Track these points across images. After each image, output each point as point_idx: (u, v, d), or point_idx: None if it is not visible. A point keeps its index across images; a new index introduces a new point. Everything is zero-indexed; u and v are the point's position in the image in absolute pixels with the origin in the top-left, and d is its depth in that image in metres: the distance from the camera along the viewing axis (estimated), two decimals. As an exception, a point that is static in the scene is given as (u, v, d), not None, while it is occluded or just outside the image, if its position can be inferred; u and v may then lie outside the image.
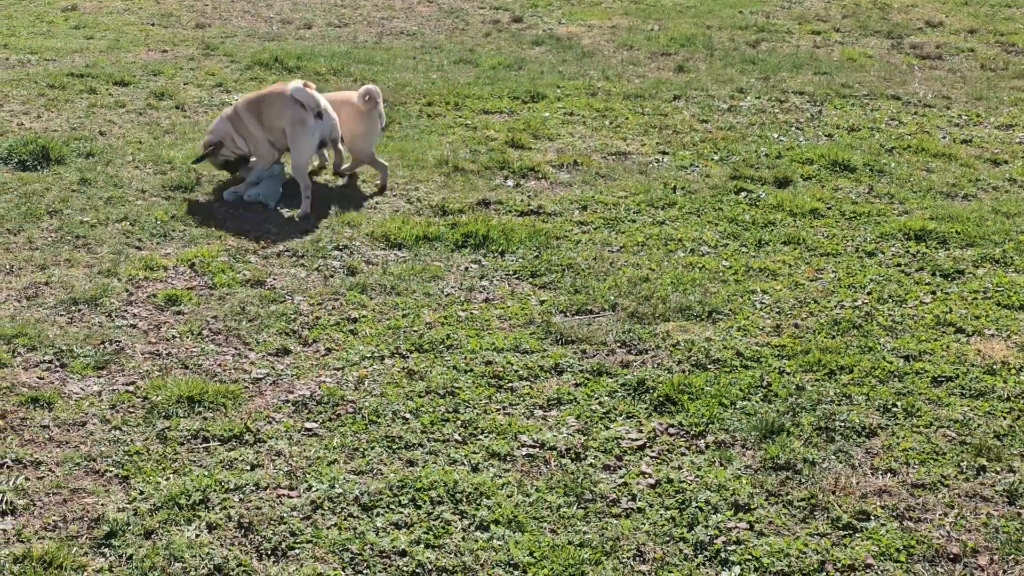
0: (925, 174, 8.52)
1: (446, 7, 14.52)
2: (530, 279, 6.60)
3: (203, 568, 4.16)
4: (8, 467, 4.72)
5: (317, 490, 4.60)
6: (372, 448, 4.91)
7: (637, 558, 4.29)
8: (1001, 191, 8.22)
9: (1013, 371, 5.63)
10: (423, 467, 4.78)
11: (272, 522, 4.42)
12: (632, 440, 5.02)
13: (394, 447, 4.93)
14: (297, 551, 4.28)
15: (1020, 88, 11.03)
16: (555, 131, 9.33)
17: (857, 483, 4.73)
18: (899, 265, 6.88)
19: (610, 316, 6.13)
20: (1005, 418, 5.24)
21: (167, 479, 4.66)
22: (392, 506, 4.53)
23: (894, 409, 5.29)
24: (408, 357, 5.69)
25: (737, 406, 5.28)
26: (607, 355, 5.74)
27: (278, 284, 6.45)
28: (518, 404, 5.29)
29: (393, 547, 4.29)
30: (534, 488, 4.67)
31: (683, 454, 4.94)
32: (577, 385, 5.46)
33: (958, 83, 11.22)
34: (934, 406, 5.32)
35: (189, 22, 13.33)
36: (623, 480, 4.74)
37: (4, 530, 4.34)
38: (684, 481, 4.73)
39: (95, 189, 7.71)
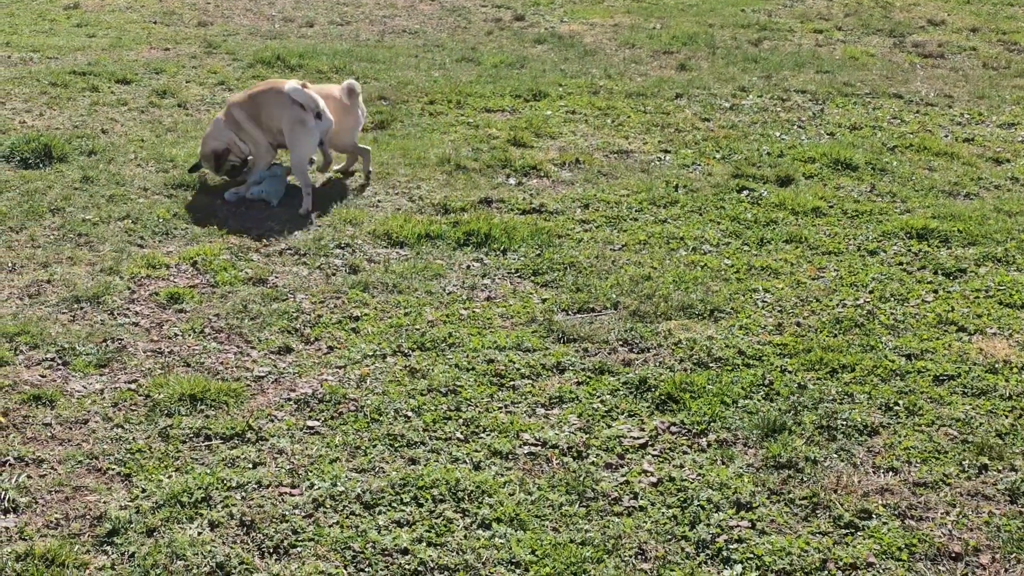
0: (927, 173, 8.51)
1: (448, 5, 14.51)
2: (532, 277, 6.60)
3: (205, 566, 4.17)
4: (10, 465, 4.73)
5: (319, 488, 4.61)
6: (374, 446, 4.91)
7: (639, 556, 4.29)
8: (1003, 190, 8.22)
9: (1015, 370, 5.63)
10: (425, 465, 4.78)
11: (274, 520, 4.42)
12: (634, 438, 5.02)
13: (396, 445, 4.93)
14: (299, 549, 4.29)
15: (1022, 87, 11.03)
16: (557, 129, 9.33)
17: (859, 481, 4.73)
18: (901, 264, 6.88)
19: (612, 314, 6.13)
20: (1007, 417, 5.24)
21: (169, 477, 4.67)
22: (394, 504, 4.53)
23: (896, 408, 5.29)
24: (410, 355, 5.69)
25: (739, 404, 5.28)
26: (609, 353, 5.74)
27: (280, 282, 6.45)
28: (520, 402, 5.30)
29: (395, 545, 4.30)
30: (536, 486, 4.67)
31: (685, 452, 4.94)
32: (579, 383, 5.46)
33: (960, 82, 11.22)
34: (936, 405, 5.32)
35: (191, 20, 13.33)
36: (625, 478, 4.74)
37: (6, 528, 4.35)
38: (686, 479, 4.73)
39: (97, 187, 7.71)
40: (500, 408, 5.24)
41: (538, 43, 12.57)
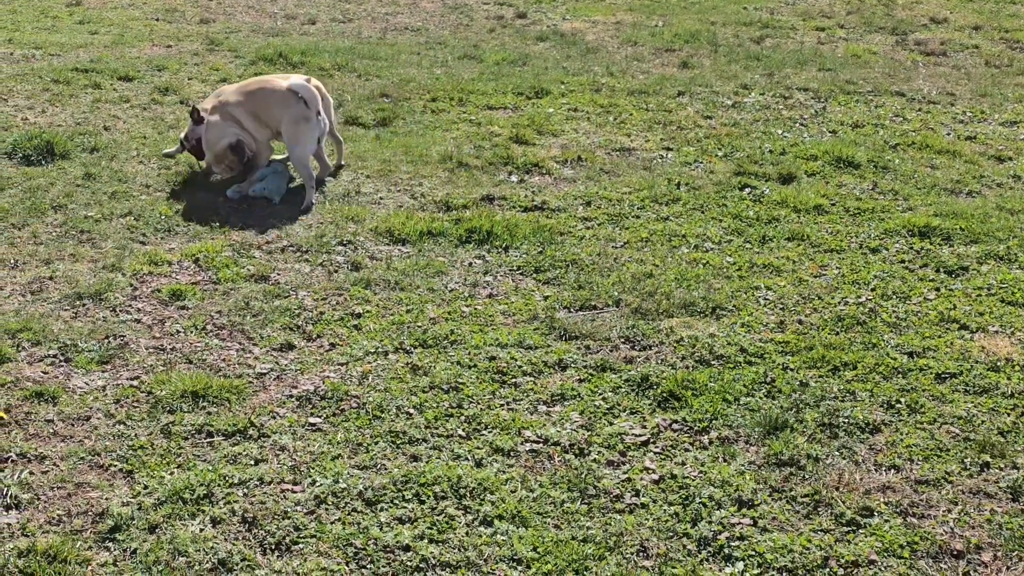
0: (929, 171, 8.51)
1: (450, 3, 14.51)
2: (534, 275, 6.60)
3: (207, 562, 4.17)
4: (13, 461, 4.73)
5: (321, 485, 4.61)
6: (376, 443, 4.92)
7: (640, 553, 4.29)
8: (1005, 188, 8.21)
9: (1017, 368, 5.62)
10: (427, 462, 4.78)
11: (276, 517, 4.42)
12: (636, 436, 5.02)
13: (398, 442, 4.93)
14: (301, 546, 4.29)
15: (1025, 85, 11.03)
16: (559, 127, 9.33)
17: (861, 479, 4.73)
18: (903, 261, 6.88)
19: (614, 312, 6.13)
20: (1009, 415, 5.23)
21: (171, 474, 4.67)
22: (396, 501, 4.54)
23: (898, 405, 5.29)
24: (412, 352, 5.69)
25: (741, 402, 5.28)
26: (611, 351, 5.74)
27: (282, 279, 6.45)
28: (522, 400, 5.30)
29: (397, 542, 4.30)
30: (538, 483, 4.67)
31: (687, 450, 4.94)
32: (581, 381, 5.46)
33: (962, 80, 11.21)
34: (938, 402, 5.32)
35: (193, 17, 13.33)
36: (627, 476, 4.74)
37: (9, 524, 4.35)
38: (688, 477, 4.73)
39: (99, 184, 7.71)
40: (502, 405, 5.25)
41: (540, 40, 12.57)
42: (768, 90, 10.60)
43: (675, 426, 5.11)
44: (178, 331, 5.86)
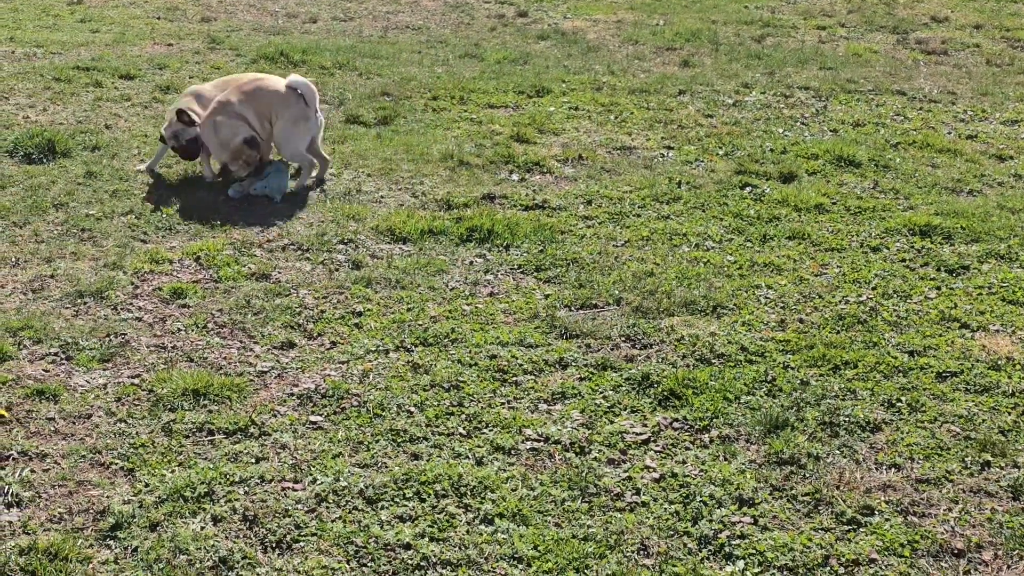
0: (930, 169, 8.51)
1: (451, 2, 14.51)
2: (535, 273, 6.60)
3: (208, 560, 4.17)
4: (14, 459, 4.73)
5: (322, 483, 4.61)
6: (377, 441, 4.92)
7: (641, 552, 4.29)
8: (1006, 187, 8.21)
9: (1018, 367, 5.62)
10: (428, 460, 4.79)
11: (277, 515, 4.43)
12: (636, 434, 5.02)
13: (399, 440, 4.93)
14: (302, 544, 4.29)
15: (1026, 84, 11.02)
16: (560, 126, 9.34)
17: (861, 478, 4.73)
18: (904, 260, 6.88)
19: (615, 310, 6.14)
20: (1010, 414, 5.23)
21: (172, 472, 4.67)
22: (397, 499, 4.54)
23: (898, 404, 5.29)
24: (413, 351, 5.69)
25: (741, 401, 5.29)
26: (611, 349, 5.74)
27: (283, 278, 6.46)
28: (523, 398, 5.30)
29: (397, 540, 4.30)
30: (538, 482, 4.67)
31: (687, 448, 4.94)
32: (581, 379, 5.46)
33: (964, 79, 11.21)
34: (939, 401, 5.32)
35: (195, 16, 13.34)
36: (627, 474, 4.74)
37: (10, 522, 4.35)
38: (688, 475, 4.74)
39: (100, 182, 7.72)
40: (503, 404, 5.25)
41: (541, 39, 12.57)
42: (769, 89, 10.60)
43: (676, 425, 5.11)
44: (179, 329, 5.86)
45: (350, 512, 4.46)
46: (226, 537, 4.30)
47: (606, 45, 12.36)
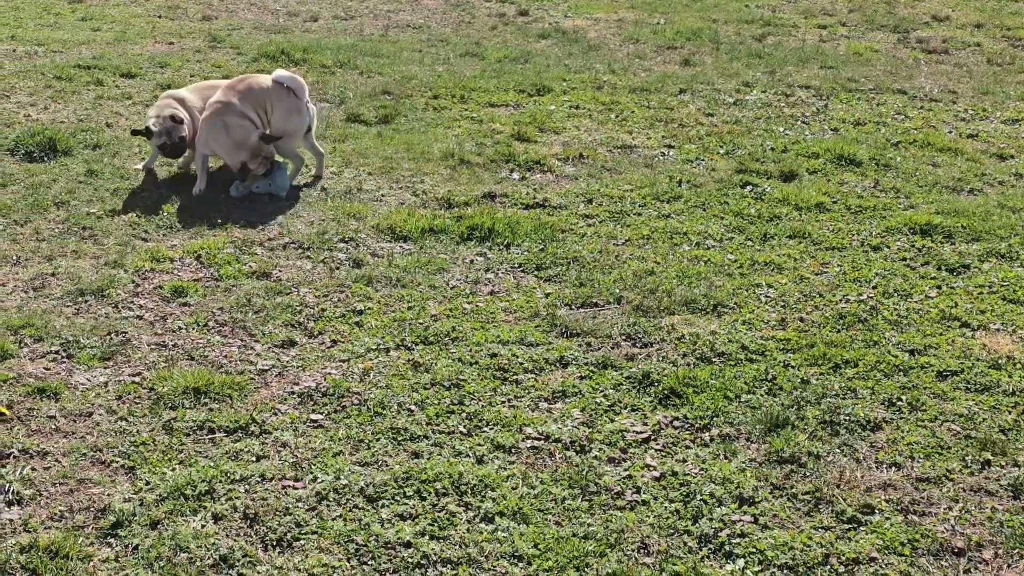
0: (931, 168, 8.51)
1: (452, 0, 14.51)
2: (535, 272, 6.60)
3: (209, 558, 4.18)
4: (15, 457, 4.74)
5: (322, 481, 4.61)
6: (377, 440, 4.92)
7: (641, 550, 4.30)
8: (1007, 186, 8.21)
9: (1018, 366, 5.63)
10: (428, 459, 4.79)
11: (277, 513, 4.43)
12: (637, 433, 5.03)
13: (399, 439, 4.94)
14: (302, 542, 4.29)
15: (1027, 83, 11.02)
16: (561, 124, 9.34)
17: (862, 477, 4.74)
18: (904, 259, 6.88)
19: (615, 309, 6.14)
20: (1010, 412, 5.24)
21: (173, 470, 4.68)
22: (397, 498, 4.54)
23: (899, 403, 5.29)
24: (413, 349, 5.70)
25: (742, 399, 5.29)
26: (612, 348, 5.74)
27: (284, 276, 6.46)
28: (523, 396, 5.30)
29: (398, 538, 4.31)
30: (539, 480, 4.67)
31: (688, 447, 4.95)
32: (582, 378, 5.46)
33: (964, 78, 11.21)
34: (939, 400, 5.33)
35: (196, 14, 13.34)
36: (627, 473, 4.74)
37: (11, 520, 4.36)
38: (688, 474, 4.74)
39: (102, 181, 7.72)
40: (503, 402, 5.25)
41: (542, 38, 12.57)
42: (770, 88, 10.60)
43: (676, 423, 5.12)
44: (180, 328, 5.86)
45: (351, 510, 4.46)
46: (227, 535, 4.31)
47: (607, 44, 12.35)
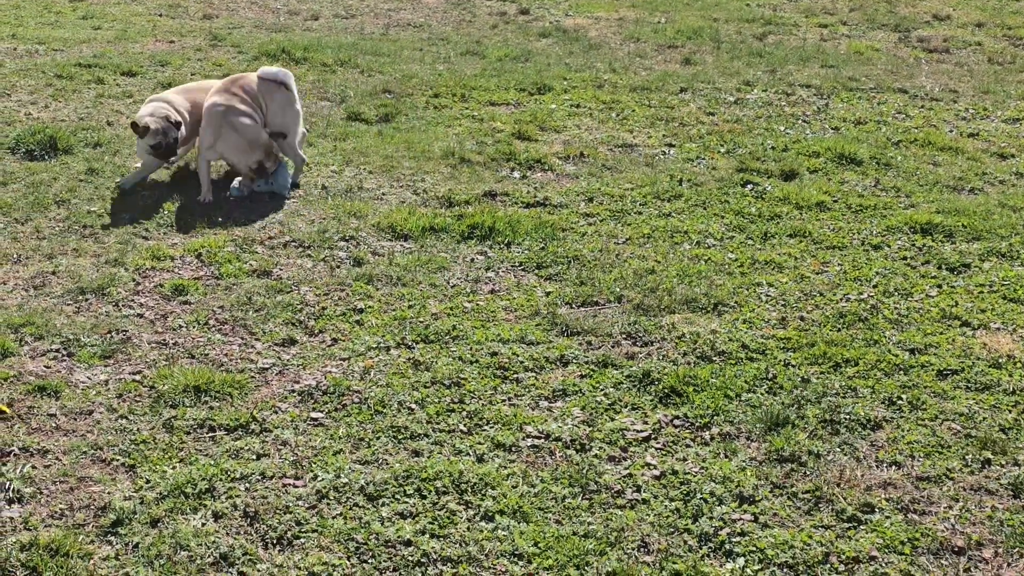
0: (932, 167, 8.51)
1: (453, -1, 14.51)
2: (536, 270, 6.60)
3: (209, 557, 4.18)
4: (15, 455, 4.74)
5: (323, 480, 4.61)
6: (378, 438, 4.92)
7: (642, 549, 4.30)
8: (1008, 185, 8.21)
9: (1019, 365, 5.63)
10: (428, 457, 4.79)
11: (278, 511, 4.43)
12: (637, 432, 5.03)
13: (400, 437, 4.94)
14: (303, 540, 4.30)
15: (1028, 82, 11.02)
16: (561, 123, 9.34)
17: (862, 476, 4.74)
18: (905, 258, 6.88)
19: (616, 308, 6.14)
20: (1011, 411, 5.24)
21: (173, 468, 4.68)
22: (397, 496, 4.54)
23: (899, 402, 5.29)
24: (414, 348, 5.70)
25: (742, 398, 5.29)
26: (612, 347, 5.74)
27: (284, 274, 6.46)
28: (523, 395, 5.30)
29: (398, 537, 4.31)
30: (539, 479, 4.67)
31: (688, 446, 4.95)
32: (582, 376, 5.47)
33: (965, 77, 11.20)
34: (939, 399, 5.33)
35: (196, 13, 13.34)
36: (628, 471, 4.75)
37: (11, 518, 4.36)
38: (689, 473, 4.74)
39: (102, 179, 7.72)
40: (503, 401, 5.25)
41: (543, 37, 12.57)
42: (771, 87, 10.60)
43: (676, 422, 5.12)
44: (180, 326, 5.87)
45: (351, 509, 4.47)
46: (227, 533, 4.31)
47: (607, 43, 12.35)
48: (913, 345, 5.80)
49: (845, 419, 5.12)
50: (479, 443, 4.91)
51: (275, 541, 4.29)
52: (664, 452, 4.89)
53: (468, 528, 4.37)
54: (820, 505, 4.56)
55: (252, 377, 5.39)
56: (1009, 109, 10.10)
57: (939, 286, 6.50)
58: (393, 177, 8.00)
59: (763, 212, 7.50)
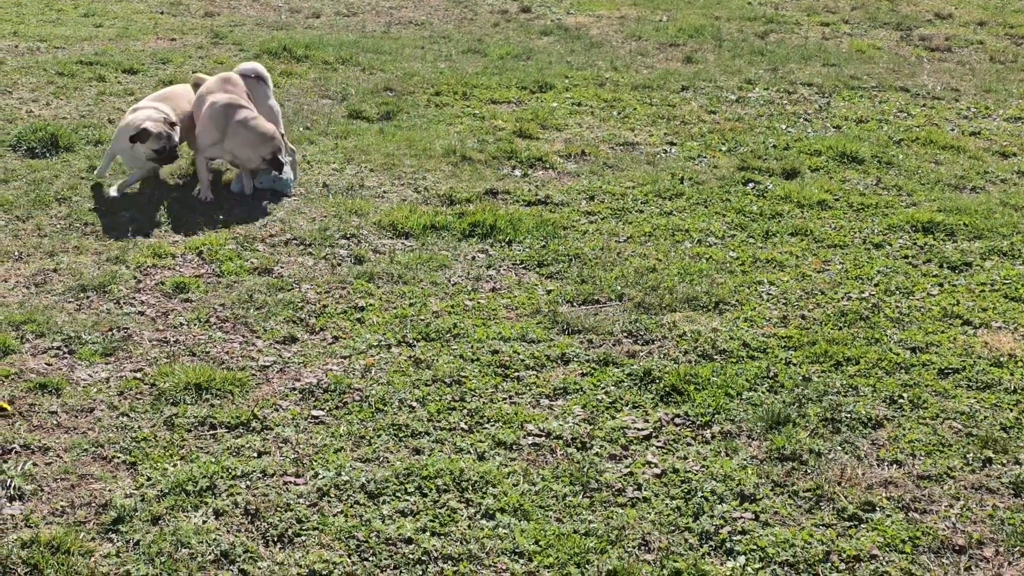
0: (933, 166, 8.50)
1: (454, -3, 14.51)
2: (537, 269, 6.60)
3: (210, 554, 4.18)
4: (16, 453, 4.74)
5: (323, 477, 4.62)
6: (378, 436, 4.92)
7: (642, 547, 4.30)
8: (1009, 184, 8.21)
9: (1020, 363, 5.62)
10: (429, 455, 4.79)
11: (278, 509, 4.43)
12: (638, 430, 5.03)
13: (400, 435, 4.94)
14: (303, 538, 4.30)
15: (1029, 81, 11.02)
16: (563, 121, 9.33)
17: (863, 474, 4.73)
18: (906, 257, 6.88)
19: (617, 306, 6.14)
20: (1011, 410, 5.23)
21: (174, 466, 4.68)
22: (398, 494, 4.54)
23: (900, 401, 5.29)
24: (415, 346, 5.70)
25: (743, 397, 5.29)
26: (613, 345, 5.74)
27: (285, 272, 6.46)
28: (524, 393, 5.30)
29: (399, 534, 4.31)
30: (540, 477, 4.67)
31: (689, 444, 4.94)
32: (583, 375, 5.46)
33: (967, 75, 11.20)
34: (940, 398, 5.33)
35: (198, 10, 13.33)
36: (629, 470, 4.75)
37: (12, 515, 4.36)
38: (690, 471, 4.74)
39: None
40: (504, 399, 5.25)
41: (544, 35, 12.56)
42: (772, 85, 10.60)
43: (677, 420, 5.12)
44: (181, 324, 5.87)
45: (351, 506, 4.47)
46: (228, 531, 4.31)
47: (609, 41, 12.35)
48: (914, 344, 5.79)
49: (846, 418, 5.12)
50: (480, 441, 4.91)
51: (276, 539, 4.29)
52: (665, 450, 4.89)
53: (469, 526, 4.37)
54: (821, 503, 4.56)
55: (253, 375, 5.39)
56: (1011, 108, 10.09)
57: (940, 285, 6.50)
58: (394, 175, 7.99)
59: (764, 210, 7.50)
